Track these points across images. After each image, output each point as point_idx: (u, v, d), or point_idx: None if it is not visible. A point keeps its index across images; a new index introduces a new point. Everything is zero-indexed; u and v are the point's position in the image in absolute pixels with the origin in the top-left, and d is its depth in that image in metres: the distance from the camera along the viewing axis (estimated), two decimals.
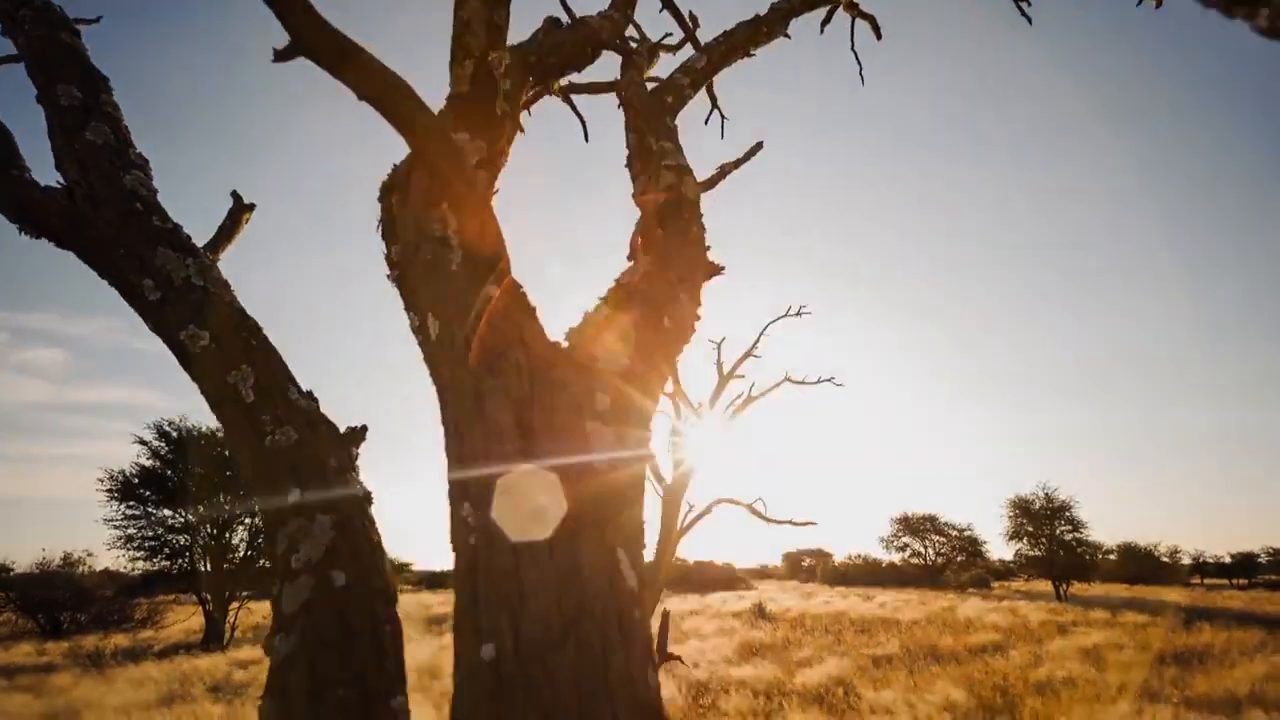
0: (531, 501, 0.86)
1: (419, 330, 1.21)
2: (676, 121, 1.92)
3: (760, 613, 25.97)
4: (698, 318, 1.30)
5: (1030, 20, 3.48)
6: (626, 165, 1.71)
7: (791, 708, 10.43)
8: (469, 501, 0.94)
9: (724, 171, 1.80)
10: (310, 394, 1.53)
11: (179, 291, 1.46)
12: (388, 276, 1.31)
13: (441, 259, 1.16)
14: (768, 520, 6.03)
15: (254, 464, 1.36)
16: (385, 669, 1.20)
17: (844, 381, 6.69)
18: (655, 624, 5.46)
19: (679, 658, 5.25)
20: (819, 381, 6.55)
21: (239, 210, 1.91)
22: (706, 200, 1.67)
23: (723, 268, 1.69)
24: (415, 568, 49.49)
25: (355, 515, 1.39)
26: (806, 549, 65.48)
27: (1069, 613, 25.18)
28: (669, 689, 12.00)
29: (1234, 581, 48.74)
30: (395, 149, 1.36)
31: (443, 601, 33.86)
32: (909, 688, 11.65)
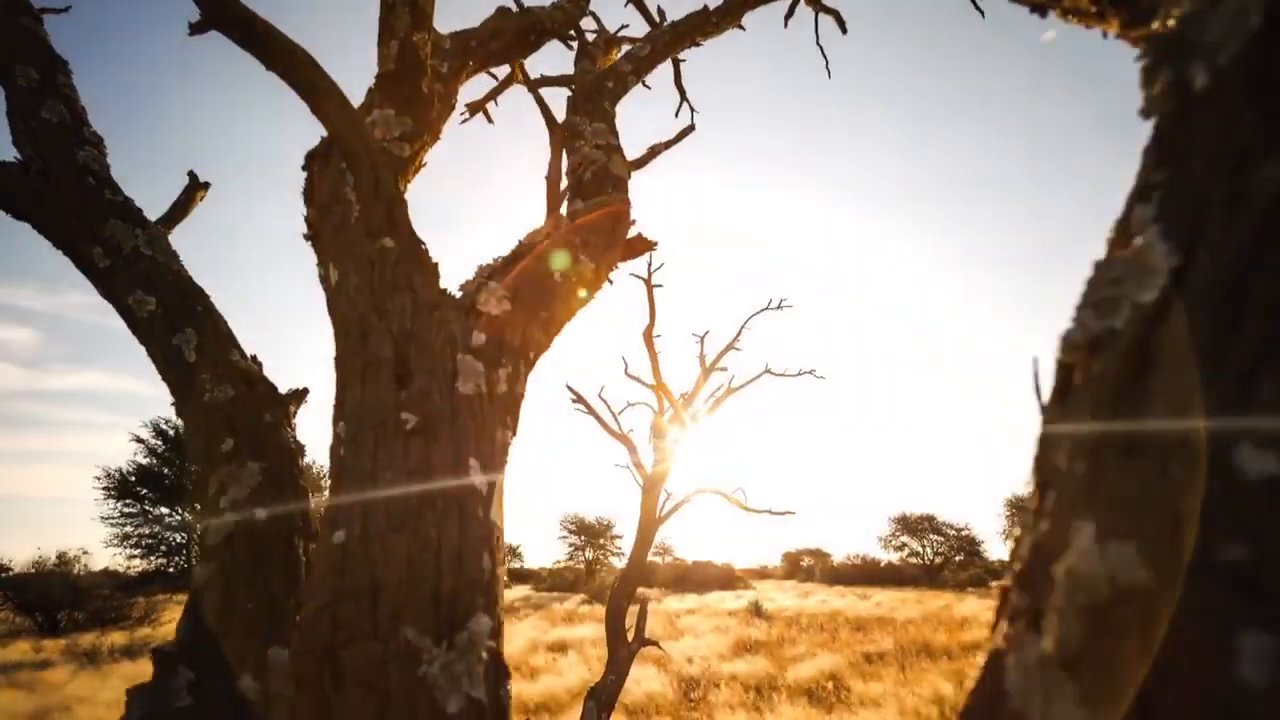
0: (393, 419, 0.95)
1: (323, 280, 1.31)
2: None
3: (756, 611, 26.04)
4: (600, 279, 1.39)
5: (982, 13, 3.56)
6: (564, 146, 1.81)
7: (781, 700, 10.53)
8: (344, 420, 1.04)
9: (654, 151, 1.88)
10: (254, 358, 1.63)
11: (127, 260, 1.56)
12: (304, 235, 1.40)
13: (345, 215, 1.26)
14: (747, 510, 6.11)
15: (193, 418, 1.45)
16: (296, 591, 1.29)
17: (825, 374, 6.77)
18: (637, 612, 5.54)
19: (656, 643, 5.33)
20: (799, 374, 6.63)
21: (193, 188, 2.01)
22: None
23: (655, 243, 1.77)
24: None
25: (284, 463, 1.49)
26: (805, 549, 65.50)
27: None
28: (660, 683, 12.09)
29: None
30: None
31: None
32: (899, 682, 11.74)
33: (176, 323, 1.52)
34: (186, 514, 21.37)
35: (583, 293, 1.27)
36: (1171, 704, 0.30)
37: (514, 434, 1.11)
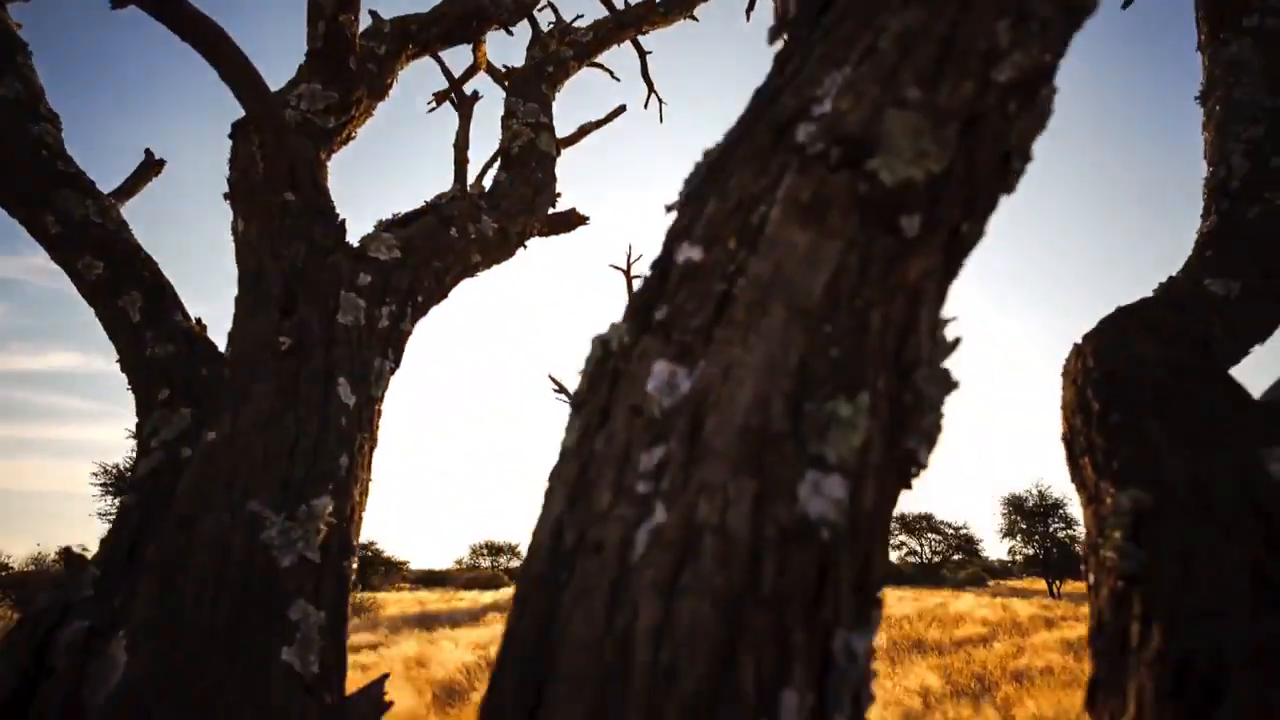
0: (272, 342, 1.07)
1: (234, 232, 1.42)
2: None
3: None
4: (510, 243, 1.50)
5: None
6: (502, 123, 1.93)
7: None
8: (232, 346, 1.16)
9: (584, 130, 1.99)
10: (198, 320, 1.74)
11: (78, 226, 1.67)
12: (224, 195, 1.51)
13: (255, 173, 1.37)
14: None
15: (135, 372, 1.56)
16: None
17: None
18: None
19: None
20: None
21: (148, 165, 2.13)
22: None
23: (586, 218, 1.88)
24: (412, 566, 49.53)
25: None
26: None
27: (1059, 608, 25.30)
28: None
29: None
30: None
31: (437, 599, 34.07)
32: (886, 674, 11.82)
33: (123, 286, 1.63)
34: None
35: (478, 257, 1.37)
36: None
37: (395, 365, 1.22)
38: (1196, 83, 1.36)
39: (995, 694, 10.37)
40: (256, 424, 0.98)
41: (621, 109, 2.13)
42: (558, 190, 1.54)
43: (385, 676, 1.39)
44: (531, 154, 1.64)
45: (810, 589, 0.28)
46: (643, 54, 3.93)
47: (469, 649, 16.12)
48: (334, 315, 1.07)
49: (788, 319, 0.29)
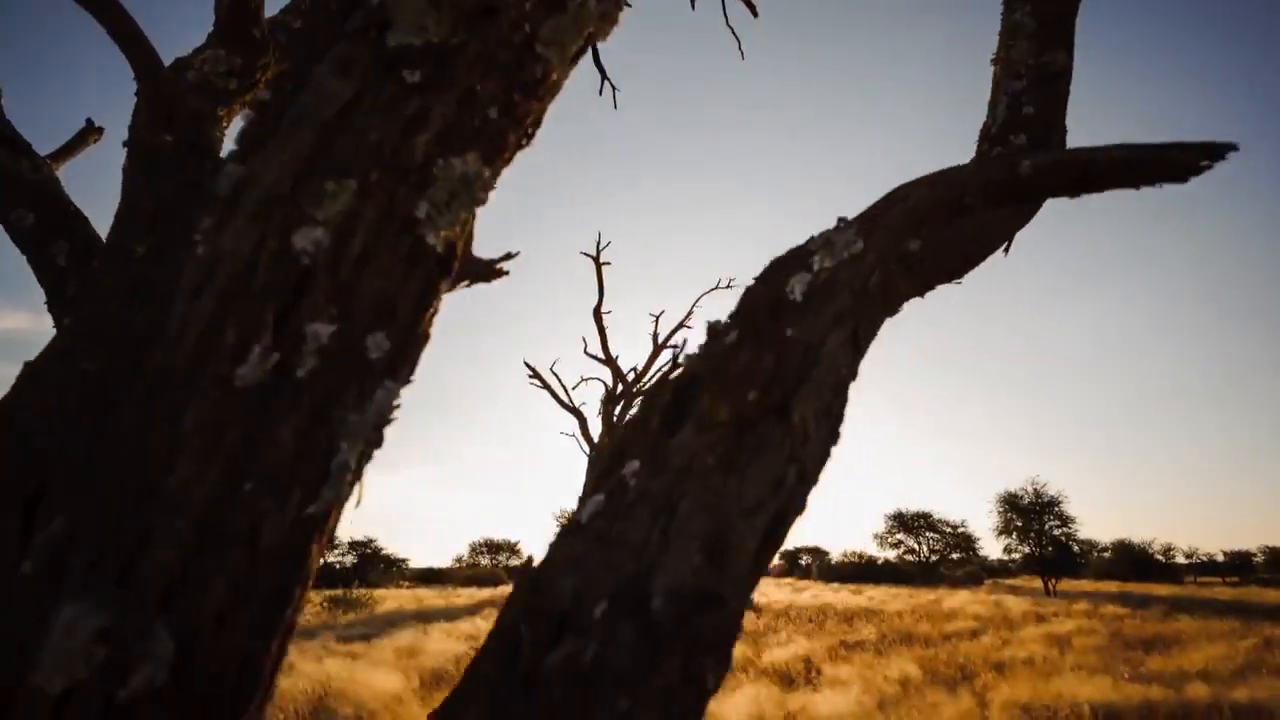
0: (128, 257, 1.24)
1: (123, 173, 1.59)
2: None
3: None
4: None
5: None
6: None
7: (747, 680, 10.77)
8: (94, 265, 1.32)
9: None
10: None
11: (10, 181, 1.83)
12: (123, 143, 1.66)
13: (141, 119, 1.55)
14: None
15: (58, 313, 1.71)
16: None
17: None
18: None
19: None
20: None
21: (87, 131, 2.30)
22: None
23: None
24: (411, 564, 49.68)
25: None
26: (804, 546, 65.64)
27: (1052, 605, 25.49)
28: None
29: (1226, 580, 48.90)
30: None
31: (435, 595, 34.38)
32: (871, 665, 11.98)
33: (52, 235, 1.80)
34: None
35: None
36: None
37: None
38: None
39: (974, 682, 10.53)
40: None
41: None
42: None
43: None
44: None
45: (289, 289, 0.43)
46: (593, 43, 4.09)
47: (461, 640, 16.32)
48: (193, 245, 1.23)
49: (313, 130, 0.44)
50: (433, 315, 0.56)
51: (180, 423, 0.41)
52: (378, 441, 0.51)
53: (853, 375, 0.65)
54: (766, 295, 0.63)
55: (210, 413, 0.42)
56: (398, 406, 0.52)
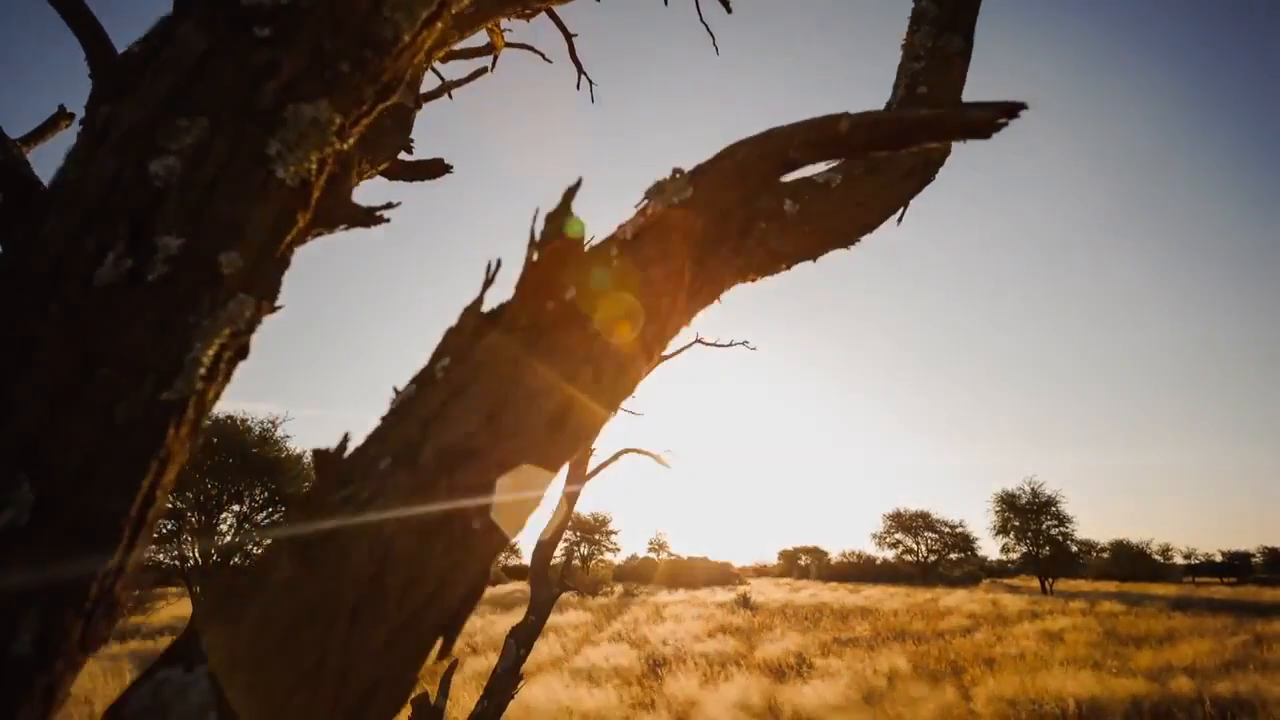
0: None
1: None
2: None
3: (744, 602, 26.38)
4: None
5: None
6: None
7: (739, 672, 10.86)
8: None
9: (445, 86, 2.23)
10: None
11: None
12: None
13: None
14: (670, 466, 6.43)
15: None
16: None
17: (756, 347, 7.09)
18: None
19: (574, 588, 5.65)
20: (730, 344, 6.96)
21: (59, 117, 2.38)
22: None
23: (450, 167, 2.12)
24: None
25: None
26: (803, 547, 65.68)
27: (1048, 603, 25.53)
28: (630, 660, 12.43)
29: (1224, 580, 48.93)
30: None
31: None
32: (862, 660, 12.07)
33: (19, 215, 1.89)
34: (177, 502, 21.66)
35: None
36: None
37: None
38: None
39: (962, 676, 10.60)
40: None
41: (482, 71, 2.38)
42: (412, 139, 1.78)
43: None
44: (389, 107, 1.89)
45: (143, 207, 0.51)
46: (568, 36, 4.15)
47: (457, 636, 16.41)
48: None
49: (173, 77, 0.52)
50: (292, 242, 0.64)
51: (45, 312, 0.49)
52: (237, 348, 0.59)
53: (679, 308, 0.73)
54: (602, 238, 0.71)
55: (70, 305, 0.50)
56: (255, 319, 0.60)
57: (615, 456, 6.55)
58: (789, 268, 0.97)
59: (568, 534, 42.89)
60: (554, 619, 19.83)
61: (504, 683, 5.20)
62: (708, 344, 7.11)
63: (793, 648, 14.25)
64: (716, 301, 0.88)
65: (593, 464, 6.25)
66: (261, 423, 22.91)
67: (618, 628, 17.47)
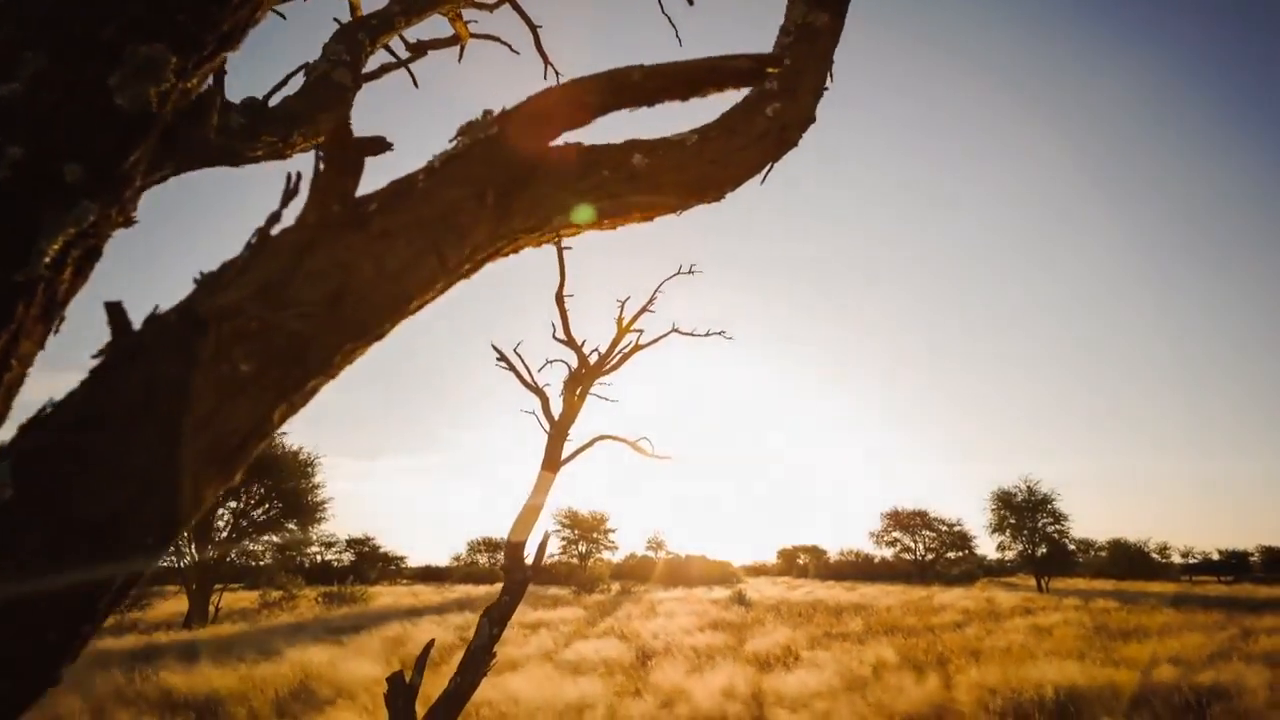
0: None
1: None
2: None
3: (739, 599, 26.45)
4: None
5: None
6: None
7: (726, 663, 10.96)
8: None
9: (384, 69, 2.36)
10: None
11: None
12: None
13: None
14: (647, 455, 6.55)
15: None
16: None
17: (733, 336, 7.21)
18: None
19: (549, 569, 5.76)
20: (708, 334, 7.08)
21: None
22: None
23: (390, 145, 2.24)
24: (410, 563, 49.81)
25: None
26: (802, 546, 65.70)
27: (1042, 600, 25.57)
28: (620, 651, 12.54)
29: (1222, 579, 48.97)
30: None
31: (431, 592, 34.67)
32: (849, 652, 12.16)
33: None
34: None
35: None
36: None
37: None
38: None
39: (947, 667, 10.70)
40: None
41: (421, 53, 2.50)
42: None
43: None
44: (324, 83, 2.00)
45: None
46: (533, 28, 4.25)
47: (450, 630, 16.53)
48: None
49: (19, 23, 0.65)
50: (136, 162, 0.76)
51: None
52: (86, 248, 0.71)
53: (482, 226, 0.84)
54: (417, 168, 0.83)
55: None
56: (102, 225, 0.72)
57: (590, 443, 6.67)
58: (647, 217, 1.08)
59: (565, 532, 42.97)
60: (547, 614, 19.93)
61: (476, 660, 5.32)
62: (684, 333, 7.23)
63: (782, 641, 14.37)
64: (552, 233, 1.00)
65: (568, 450, 6.37)
66: None
67: (610, 623, 17.57)
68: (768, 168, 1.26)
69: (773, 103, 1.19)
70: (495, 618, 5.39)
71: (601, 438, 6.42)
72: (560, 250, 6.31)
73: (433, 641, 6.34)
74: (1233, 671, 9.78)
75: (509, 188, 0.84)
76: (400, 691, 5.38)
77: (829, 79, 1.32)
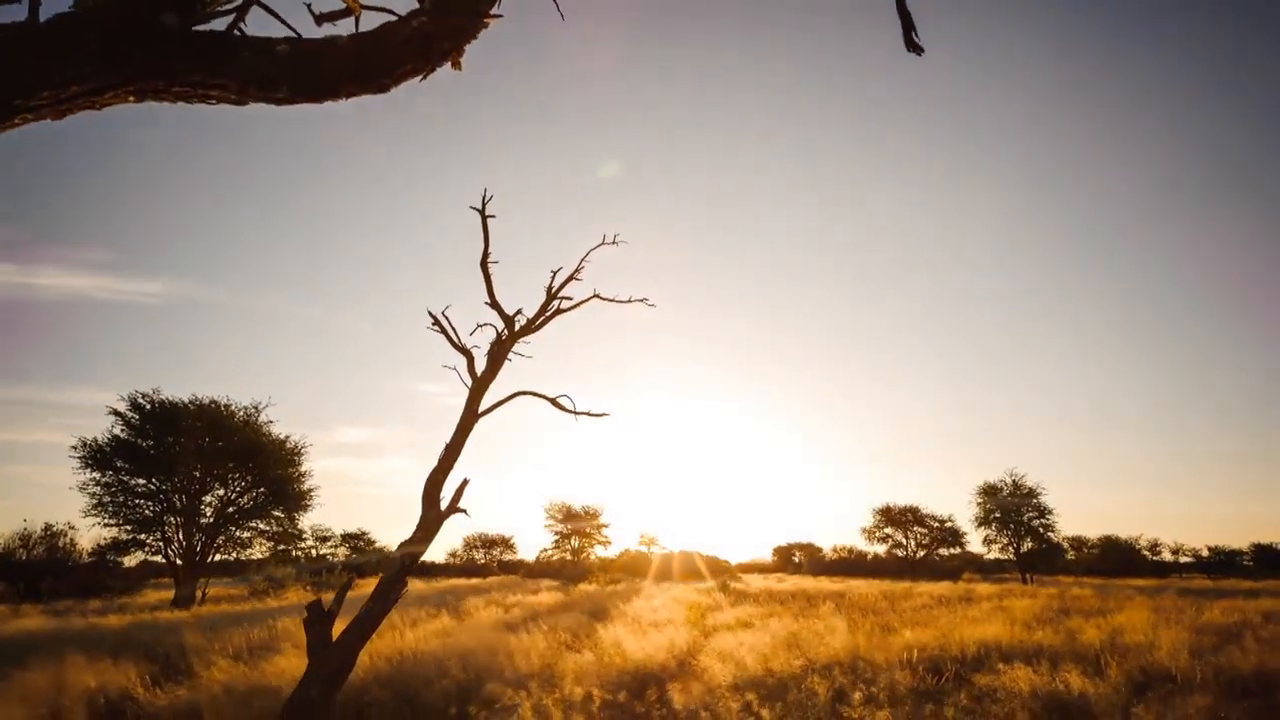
0: None
1: None
2: None
3: (723, 588, 26.81)
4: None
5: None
6: None
7: (676, 629, 11.37)
8: None
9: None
10: None
11: None
12: None
13: None
14: (568, 411, 6.98)
15: None
16: None
17: (655, 303, 7.63)
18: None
19: (464, 510, 6.19)
20: (629, 301, 7.51)
21: None
22: None
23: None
24: None
25: None
26: (796, 543, 65.85)
27: (1020, 589, 25.75)
28: (579, 622, 12.95)
29: (1212, 576, 49.08)
30: None
31: (422, 585, 35.06)
32: (800, 622, 12.54)
33: None
34: (164, 484, 22.15)
35: None
36: None
37: None
38: None
39: (889, 634, 11.07)
40: None
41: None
42: None
43: None
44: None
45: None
46: None
47: (431, 619, 16.94)
48: None
49: None
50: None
51: None
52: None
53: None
54: None
55: None
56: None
57: (509, 397, 7.11)
58: (292, 99, 1.52)
59: (559, 526, 43.26)
60: (524, 599, 20.34)
61: (386, 589, 5.77)
62: (605, 299, 7.66)
63: (742, 616, 14.75)
64: (168, 89, 1.44)
65: (489, 401, 6.81)
66: (245, 408, 23.47)
67: (587, 606, 17.94)
68: (427, 70, 1.70)
69: (420, 17, 1.67)
70: (408, 551, 5.84)
71: (520, 393, 6.85)
72: (485, 219, 6.76)
73: (353, 577, 6.78)
74: (1153, 634, 10.16)
75: (129, 50, 1.29)
76: (318, 617, 5.84)
77: (494, 5, 1.76)
